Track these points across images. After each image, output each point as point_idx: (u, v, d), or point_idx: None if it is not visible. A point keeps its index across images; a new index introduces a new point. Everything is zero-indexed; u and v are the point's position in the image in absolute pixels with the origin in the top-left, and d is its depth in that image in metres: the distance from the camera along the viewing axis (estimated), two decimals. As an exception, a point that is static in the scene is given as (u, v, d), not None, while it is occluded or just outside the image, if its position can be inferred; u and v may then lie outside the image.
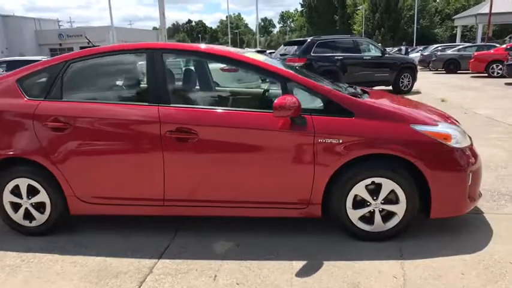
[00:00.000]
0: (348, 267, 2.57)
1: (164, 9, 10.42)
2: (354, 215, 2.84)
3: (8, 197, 3.11)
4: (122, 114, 2.93)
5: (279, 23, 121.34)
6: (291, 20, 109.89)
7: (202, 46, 3.11)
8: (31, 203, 3.12)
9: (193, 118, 2.84)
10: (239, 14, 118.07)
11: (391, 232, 2.84)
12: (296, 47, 10.55)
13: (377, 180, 2.75)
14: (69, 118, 2.96)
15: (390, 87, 11.63)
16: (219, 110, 2.90)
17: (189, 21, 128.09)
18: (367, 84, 11.43)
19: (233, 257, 2.77)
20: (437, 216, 2.83)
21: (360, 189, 2.78)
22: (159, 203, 3.01)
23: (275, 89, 3.19)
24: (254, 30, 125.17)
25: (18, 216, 3.15)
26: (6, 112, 3.06)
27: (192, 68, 3.17)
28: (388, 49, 30.56)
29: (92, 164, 3.00)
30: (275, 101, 2.61)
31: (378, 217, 2.83)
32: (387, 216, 2.82)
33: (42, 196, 3.09)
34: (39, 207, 3.13)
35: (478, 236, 2.91)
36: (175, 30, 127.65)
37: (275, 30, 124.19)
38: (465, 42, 34.73)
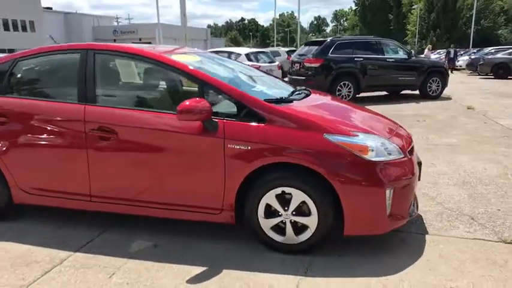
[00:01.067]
0: (243, 279, 2.50)
1: (185, 9, 10.64)
2: (266, 224, 2.74)
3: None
4: (53, 110, 3.06)
5: (331, 21, 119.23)
6: (344, 19, 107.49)
7: (132, 47, 3.13)
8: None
9: (113, 118, 2.89)
10: (292, 12, 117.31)
11: (304, 245, 2.71)
12: (316, 47, 10.31)
13: (287, 190, 2.63)
14: (9, 112, 3.14)
15: (417, 92, 11.02)
16: (138, 111, 2.91)
17: (242, 20, 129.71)
18: (391, 88, 10.97)
19: (141, 257, 2.79)
20: (351, 234, 2.65)
21: (270, 198, 2.68)
22: (87, 198, 3.10)
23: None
24: (307, 28, 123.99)
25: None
26: None
27: (120, 68, 3.22)
28: (439, 51, 28.88)
29: (28, 157, 3.17)
30: (179, 104, 2.59)
31: (289, 229, 2.71)
32: (300, 228, 2.69)
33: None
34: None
35: (401, 258, 2.69)
36: (228, 28, 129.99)
37: (328, 29, 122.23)
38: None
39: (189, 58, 3.10)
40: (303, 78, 10.22)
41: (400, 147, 2.77)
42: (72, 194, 3.14)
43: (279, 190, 2.65)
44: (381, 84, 10.52)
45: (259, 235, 2.78)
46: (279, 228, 2.74)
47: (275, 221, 2.72)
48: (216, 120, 2.70)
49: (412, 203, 2.84)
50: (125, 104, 2.97)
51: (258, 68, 10.89)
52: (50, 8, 47.57)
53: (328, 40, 10.33)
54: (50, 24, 43.21)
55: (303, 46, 11.43)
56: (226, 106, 2.76)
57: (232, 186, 2.71)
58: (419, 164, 3.08)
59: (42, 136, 3.10)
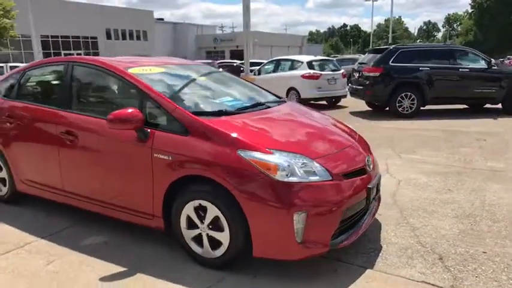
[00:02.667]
0: (144, 285, 2.58)
1: (249, 18, 10.92)
2: (188, 234, 2.78)
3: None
4: (39, 114, 3.52)
5: (443, 26, 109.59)
6: (457, 24, 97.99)
7: (97, 59, 3.40)
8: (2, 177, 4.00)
9: (76, 123, 3.22)
10: (399, 17, 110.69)
11: (219, 261, 2.68)
12: (378, 55, 9.72)
13: (203, 203, 2.64)
14: (15, 114, 3.72)
15: (499, 106, 9.63)
16: (93, 117, 3.16)
17: (344, 26, 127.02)
18: (464, 101, 9.82)
19: (86, 251, 3.05)
20: (260, 256, 2.54)
21: (190, 210, 2.71)
22: (61, 192, 3.50)
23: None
24: (414, 34, 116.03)
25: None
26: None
27: (90, 76, 3.50)
28: None
29: (22, 152, 3.71)
30: (110, 113, 2.78)
31: (205, 242, 2.71)
32: (216, 243, 2.67)
33: (3, 173, 3.94)
34: (3, 182, 3.99)
35: (317, 289, 2.49)
36: (330, 35, 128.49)
37: (439, 35, 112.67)
38: None
39: (148, 70, 3.28)
40: (361, 88, 9.74)
41: (328, 169, 2.56)
42: (52, 188, 3.56)
43: (197, 203, 2.67)
44: (451, 97, 9.45)
45: (182, 244, 2.83)
46: (199, 240, 2.75)
47: (194, 232, 2.75)
48: (148, 130, 2.83)
49: (338, 231, 2.59)
50: (90, 111, 3.26)
51: (317, 77, 10.75)
52: (162, 19, 52.89)
53: (391, 47, 9.65)
54: (160, 34, 48.06)
55: (366, 54, 10.85)
56: (159, 117, 2.87)
57: (159, 195, 2.81)
58: (372, 188, 2.79)
59: (29, 135, 3.60)
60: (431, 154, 5.85)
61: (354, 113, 10.34)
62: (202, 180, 2.62)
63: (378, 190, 3.07)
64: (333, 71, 11.76)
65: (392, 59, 9.25)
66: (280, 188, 2.41)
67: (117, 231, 3.34)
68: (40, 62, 3.89)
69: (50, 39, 37.01)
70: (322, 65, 11.89)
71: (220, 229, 2.61)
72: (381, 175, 3.51)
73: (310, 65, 11.53)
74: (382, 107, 9.97)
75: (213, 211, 2.60)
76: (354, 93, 10.23)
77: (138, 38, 45.93)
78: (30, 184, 3.74)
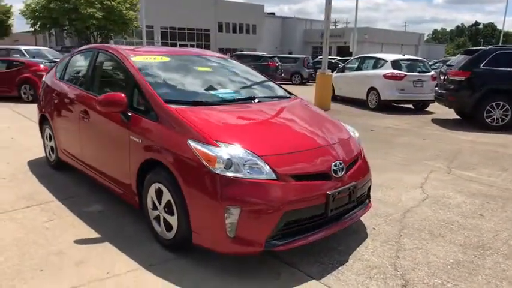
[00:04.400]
0: (103, 253, 2.84)
1: (330, 12, 10.51)
2: (151, 214, 2.96)
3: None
4: (72, 93, 4.06)
5: None
6: None
7: (114, 47, 3.73)
8: (50, 146, 4.73)
9: (89, 103, 3.64)
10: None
11: (171, 242, 2.79)
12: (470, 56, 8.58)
13: (161, 187, 2.78)
14: (58, 92, 4.35)
15: None
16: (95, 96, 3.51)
17: (476, 24, 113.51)
18: None
19: (81, 215, 3.46)
20: (197, 243, 2.58)
21: (152, 192, 2.88)
22: (80, 162, 4.00)
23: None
24: None
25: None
26: (48, 85, 4.72)
27: (107, 62, 3.85)
28: None
29: (61, 125, 4.32)
30: (99, 96, 3.09)
31: (162, 223, 2.85)
32: (169, 225, 2.79)
33: (52, 143, 4.65)
34: (52, 150, 4.71)
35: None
36: (457, 33, 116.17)
37: None
38: None
39: (151, 59, 3.51)
40: (445, 93, 8.74)
41: (274, 168, 2.47)
42: (77, 159, 4.09)
43: (157, 185, 2.82)
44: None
45: (148, 222, 3.02)
46: (159, 221, 2.91)
47: (155, 213, 2.91)
48: (130, 114, 3.08)
49: (281, 232, 2.49)
50: (96, 92, 3.65)
51: (401, 78, 10.00)
52: (273, 13, 54.10)
53: (487, 48, 8.42)
54: (268, 28, 49.31)
55: (458, 55, 9.62)
56: (141, 103, 3.08)
57: (133, 175, 3.05)
58: (331, 195, 2.61)
59: (63, 112, 4.17)
60: (491, 174, 5.05)
61: (435, 121, 9.36)
62: (161, 165, 2.76)
63: (352, 199, 2.83)
64: (421, 72, 10.77)
65: (484, 62, 8.09)
66: (216, 181, 2.42)
67: (116, 204, 3.69)
68: (81, 48, 4.47)
69: (169, 30, 40.88)
70: (410, 66, 10.97)
71: (172, 213, 2.73)
72: (369, 184, 3.25)
73: (395, 64, 10.74)
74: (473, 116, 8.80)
75: (167, 195, 2.73)
76: (438, 98, 9.23)
77: (248, 31, 47.86)
78: (65, 153, 4.34)
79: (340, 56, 31.68)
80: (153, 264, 2.68)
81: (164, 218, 2.81)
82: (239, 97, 3.39)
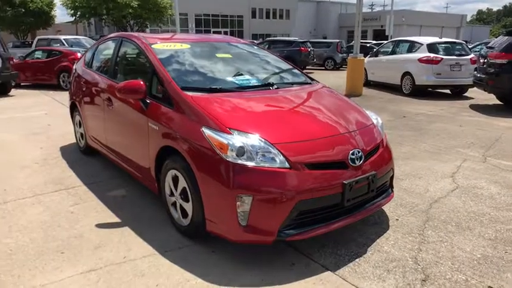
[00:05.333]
0: (122, 237, 2.90)
1: (363, -6, 10.10)
2: (169, 201, 2.99)
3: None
4: (98, 80, 4.14)
5: None
6: None
7: (136, 35, 3.75)
8: (80, 132, 4.89)
9: (112, 90, 3.70)
10: None
11: (186, 229, 2.82)
12: (515, 38, 7.99)
13: (177, 174, 2.79)
14: (86, 80, 4.46)
15: None
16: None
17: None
18: None
19: (104, 200, 3.56)
20: (210, 231, 2.58)
21: (169, 179, 2.90)
22: (108, 150, 4.10)
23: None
24: None
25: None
26: (77, 73, 4.86)
27: (129, 50, 3.87)
28: None
29: (89, 112, 4.44)
30: (118, 84, 3.12)
31: (178, 210, 2.87)
32: (185, 212, 2.81)
33: (82, 129, 4.80)
34: (81, 136, 4.87)
35: (268, 274, 2.42)
36: (506, 13, 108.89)
37: None
38: None
39: (171, 46, 3.50)
40: (484, 77, 8.23)
41: (287, 157, 2.41)
42: (102, 144, 4.20)
43: (173, 172, 2.84)
44: None
45: (166, 208, 3.06)
46: (176, 207, 2.93)
47: (172, 199, 2.94)
48: (149, 101, 3.09)
49: (295, 222, 2.44)
50: (120, 80, 3.70)
51: (438, 62, 9.52)
52: (307, -3, 52.84)
53: (534, 29, 7.80)
54: (302, 13, 48.28)
55: (500, 36, 8.96)
56: (160, 90, 3.08)
57: (152, 162, 3.08)
58: (348, 185, 2.51)
59: (93, 99, 4.26)
60: (531, 163, 4.72)
61: (473, 106, 8.85)
62: (177, 152, 2.76)
63: (371, 189, 2.71)
64: (459, 55, 10.18)
65: (530, 44, 7.51)
66: (228, 168, 2.39)
67: (138, 189, 3.76)
68: (107, 37, 4.53)
69: (202, 17, 41.01)
70: (448, 49, 10.40)
71: (187, 200, 2.73)
72: (392, 173, 3.11)
73: (431, 47, 10.22)
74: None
75: (182, 182, 2.74)
76: (477, 82, 8.69)
77: (281, 17, 47.12)
78: (93, 139, 4.47)
79: (377, 40, 30.62)
80: (169, 250, 2.71)
81: (180, 204, 2.83)
82: (257, 84, 3.33)
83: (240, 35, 41.94)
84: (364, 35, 46.05)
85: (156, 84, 3.14)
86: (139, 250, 2.72)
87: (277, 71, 3.80)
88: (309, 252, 2.70)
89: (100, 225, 3.09)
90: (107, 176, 4.18)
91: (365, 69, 12.15)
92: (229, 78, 3.35)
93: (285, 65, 3.97)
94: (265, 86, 3.30)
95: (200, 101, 2.78)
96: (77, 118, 4.89)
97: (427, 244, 2.83)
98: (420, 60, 10.05)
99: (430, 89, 10.50)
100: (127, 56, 3.88)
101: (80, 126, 4.83)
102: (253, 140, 2.46)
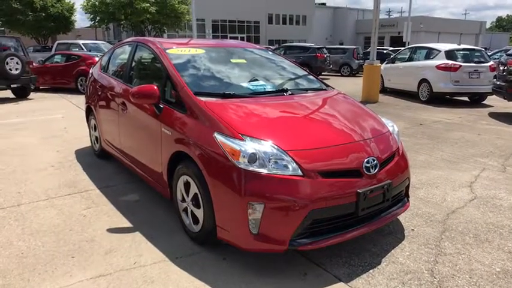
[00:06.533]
0: (133, 242, 2.89)
1: (379, 2, 10.00)
2: (180, 206, 2.97)
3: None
4: (113, 85, 4.18)
5: None
6: None
7: (151, 40, 3.77)
8: (95, 136, 4.94)
9: (126, 95, 3.72)
10: None
11: (196, 235, 2.79)
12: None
13: (189, 179, 2.77)
14: (101, 84, 4.51)
15: None
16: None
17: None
18: None
19: (117, 204, 3.57)
20: (222, 238, 2.54)
21: (181, 184, 2.89)
22: (121, 154, 4.12)
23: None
24: None
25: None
26: (93, 77, 4.92)
27: (144, 54, 3.89)
28: None
29: (103, 116, 4.47)
30: (132, 88, 3.13)
31: (189, 216, 2.85)
32: (196, 218, 2.78)
33: (97, 132, 4.84)
34: (96, 139, 4.91)
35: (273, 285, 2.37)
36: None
37: None
38: None
39: (185, 51, 3.50)
40: (504, 84, 8.03)
41: (300, 164, 2.37)
42: (116, 148, 4.23)
43: (185, 178, 2.82)
44: None
45: (178, 215, 3.04)
46: (187, 213, 2.91)
47: (184, 205, 2.92)
48: (162, 106, 3.09)
49: (308, 231, 2.39)
50: (134, 84, 3.72)
51: (456, 69, 9.34)
52: (324, 4, 52.76)
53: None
54: (319, 19, 48.17)
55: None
56: (173, 95, 3.08)
57: (165, 167, 3.07)
58: (363, 194, 2.45)
59: (108, 103, 4.30)
60: (554, 174, 4.55)
61: (493, 114, 8.63)
62: (189, 158, 2.74)
63: (386, 198, 2.64)
64: (478, 62, 9.97)
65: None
66: (239, 175, 2.36)
67: (151, 194, 3.76)
68: (122, 42, 4.58)
69: (219, 23, 41.30)
70: (466, 56, 10.19)
71: (198, 206, 2.71)
72: (408, 182, 3.03)
73: (449, 54, 10.03)
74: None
75: (194, 188, 2.72)
76: (496, 90, 8.48)
77: (298, 22, 47.09)
78: (107, 143, 4.50)
79: (394, 47, 30.29)
80: (179, 257, 2.69)
81: (191, 210, 2.81)
82: (271, 89, 3.30)
83: (257, 40, 42.03)
84: (381, 42, 45.64)
85: (169, 89, 3.13)
86: (150, 256, 2.70)
87: (292, 76, 3.77)
88: (322, 261, 2.64)
89: (112, 230, 3.09)
90: (120, 181, 4.20)
91: (381, 76, 12.03)
92: (244, 84, 3.33)
93: (300, 71, 3.94)
94: (280, 92, 3.27)
95: (213, 107, 2.76)
96: (92, 122, 4.94)
97: (444, 256, 2.74)
98: (438, 67, 9.88)
99: (447, 97, 10.30)
100: (142, 60, 3.90)
101: (95, 130, 4.87)
102: (266, 146, 2.43)
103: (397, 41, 40.33)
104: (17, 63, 10.19)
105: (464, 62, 9.87)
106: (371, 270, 2.55)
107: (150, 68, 3.74)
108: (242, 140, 2.46)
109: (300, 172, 2.36)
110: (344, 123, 2.89)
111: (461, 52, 10.23)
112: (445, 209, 3.54)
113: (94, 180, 4.23)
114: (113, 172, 4.48)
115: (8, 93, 10.98)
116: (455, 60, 9.92)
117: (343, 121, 2.92)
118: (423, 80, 10.34)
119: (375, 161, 2.59)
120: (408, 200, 3.08)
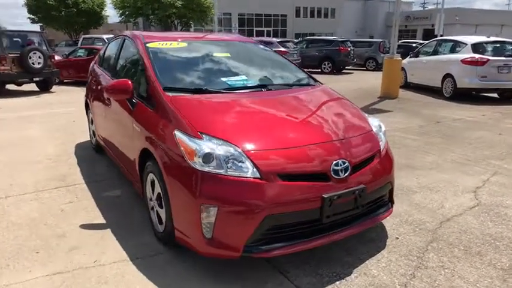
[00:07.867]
0: (101, 239, 2.84)
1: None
2: (149, 204, 2.88)
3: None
4: (102, 79, 4.16)
5: None
6: None
7: (136, 34, 3.67)
8: (92, 130, 4.97)
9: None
10: None
11: (162, 236, 2.69)
12: None
13: (154, 177, 2.67)
14: (95, 78, 4.51)
15: None
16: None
17: None
18: None
19: (99, 199, 3.55)
20: (178, 239, 2.43)
21: (148, 182, 2.80)
22: (108, 148, 4.10)
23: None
24: None
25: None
26: (90, 72, 4.93)
27: (128, 48, 3.80)
28: None
29: (95, 109, 4.47)
30: (108, 83, 3.07)
31: (155, 215, 2.76)
32: (160, 218, 2.69)
33: (93, 127, 4.86)
34: (93, 133, 4.93)
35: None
36: None
37: None
38: None
39: (167, 45, 3.39)
40: (510, 82, 7.45)
41: (258, 166, 2.21)
42: (107, 141, 4.21)
43: (151, 176, 2.73)
44: None
45: (148, 214, 2.95)
46: (154, 212, 2.82)
47: (151, 204, 2.83)
48: (136, 101, 3.01)
49: (266, 237, 2.23)
50: (118, 78, 3.65)
51: (483, 63, 8.80)
52: (354, -4, 51.32)
53: None
54: (349, 11, 46.94)
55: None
56: (146, 90, 2.98)
57: (136, 164, 2.99)
58: (328, 199, 2.27)
59: (99, 96, 4.28)
60: None
61: (521, 112, 8.05)
62: (153, 155, 2.65)
63: (357, 205, 2.44)
64: (509, 56, 9.32)
65: None
66: (194, 176, 2.23)
67: (134, 190, 3.70)
68: (114, 36, 4.54)
69: (246, 16, 41.10)
70: (496, 49, 9.56)
71: (161, 206, 2.61)
72: (390, 186, 2.80)
73: (476, 47, 9.44)
74: None
75: (157, 187, 2.62)
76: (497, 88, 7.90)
77: (326, 15, 46.14)
78: (99, 137, 4.50)
79: (427, 40, 29.04)
80: (140, 257, 2.60)
81: (157, 210, 2.72)
82: (250, 85, 3.14)
83: (283, 34, 41.58)
84: (413, 34, 44.01)
85: (144, 84, 3.05)
86: (112, 255, 2.64)
87: (277, 72, 3.59)
88: (287, 269, 2.48)
89: (84, 226, 3.06)
90: (110, 175, 4.18)
91: (404, 70, 11.52)
92: (223, 79, 3.19)
93: (290, 66, 3.75)
94: (258, 87, 3.11)
95: (177, 102, 2.64)
96: (90, 116, 4.96)
97: (424, 270, 2.51)
98: (463, 61, 9.32)
99: (473, 93, 9.72)
100: (126, 55, 3.84)
101: (92, 124, 4.89)
102: (223, 146, 2.28)
103: (429, 34, 38.67)
104: (39, 57, 10.49)
105: (493, 56, 9.25)
106: (337, 282, 2.37)
107: (132, 62, 3.67)
108: (200, 138, 2.33)
109: (258, 174, 2.20)
110: (319, 122, 2.70)
111: (490, 45, 9.60)
112: (440, 216, 3.27)
113: (84, 174, 4.24)
114: (105, 166, 4.47)
115: (33, 87, 11.35)
116: (483, 54, 9.32)
117: (319, 119, 2.73)
118: (447, 75, 9.80)
119: (346, 164, 2.39)
120: (392, 206, 2.86)
